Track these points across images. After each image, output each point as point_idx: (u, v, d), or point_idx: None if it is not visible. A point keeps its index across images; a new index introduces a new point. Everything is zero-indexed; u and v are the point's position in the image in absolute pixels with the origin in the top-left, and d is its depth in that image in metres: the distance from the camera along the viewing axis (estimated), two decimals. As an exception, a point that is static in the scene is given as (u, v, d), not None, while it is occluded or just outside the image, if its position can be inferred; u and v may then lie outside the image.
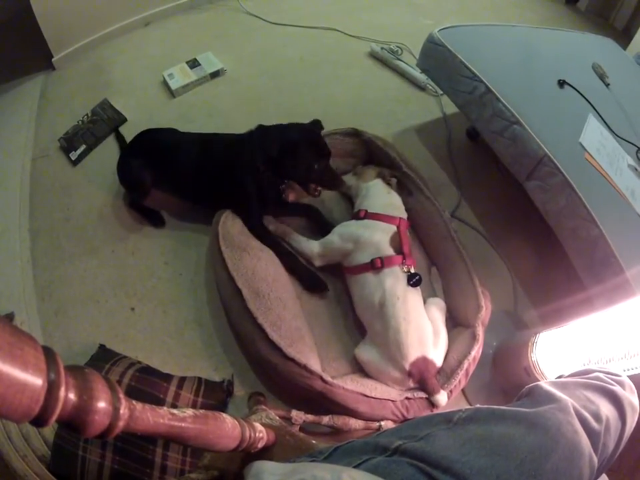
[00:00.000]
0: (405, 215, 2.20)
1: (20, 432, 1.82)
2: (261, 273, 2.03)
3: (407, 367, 1.87)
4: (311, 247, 2.21)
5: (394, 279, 1.95)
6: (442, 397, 1.88)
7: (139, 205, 2.53)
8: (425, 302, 2.07)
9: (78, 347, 2.13)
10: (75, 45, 3.35)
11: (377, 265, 1.98)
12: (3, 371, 0.42)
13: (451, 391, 1.91)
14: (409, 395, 1.90)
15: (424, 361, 1.88)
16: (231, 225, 2.15)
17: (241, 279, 1.96)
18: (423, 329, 1.91)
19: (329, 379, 1.80)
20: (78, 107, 3.06)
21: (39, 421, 0.47)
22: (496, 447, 0.87)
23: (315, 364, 1.85)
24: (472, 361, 1.93)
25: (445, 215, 2.29)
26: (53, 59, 3.26)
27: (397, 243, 2.05)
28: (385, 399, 1.86)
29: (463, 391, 2.09)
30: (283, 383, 1.92)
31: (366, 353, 1.99)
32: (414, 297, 1.95)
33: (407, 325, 1.86)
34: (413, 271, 1.99)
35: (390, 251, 2.02)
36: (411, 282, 1.95)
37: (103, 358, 1.97)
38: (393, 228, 2.09)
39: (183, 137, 2.40)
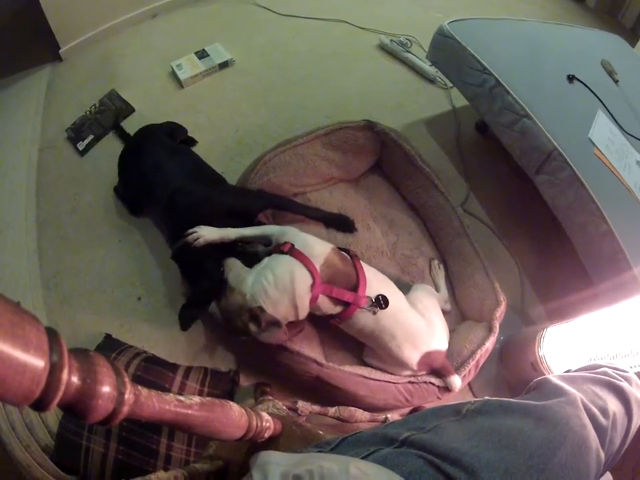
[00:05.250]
0: (305, 284, 1.75)
1: (24, 422, 1.83)
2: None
3: (415, 368, 1.88)
4: None
5: (358, 321, 1.84)
6: (456, 380, 1.89)
7: (120, 192, 2.57)
8: (409, 290, 2.06)
9: (83, 336, 2.14)
10: (81, 36, 3.35)
11: (335, 324, 1.91)
12: (3, 351, 0.40)
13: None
14: (413, 379, 1.91)
15: (427, 356, 1.87)
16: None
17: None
18: (413, 333, 1.87)
19: (323, 361, 1.81)
20: (85, 98, 3.06)
21: (39, 404, 0.46)
22: (504, 439, 0.87)
23: (311, 350, 1.87)
24: (484, 352, 1.93)
25: (458, 210, 2.28)
26: (60, 51, 3.27)
27: (337, 300, 1.81)
28: (384, 381, 1.87)
29: (469, 385, 2.09)
30: (283, 372, 1.93)
31: (374, 360, 1.98)
32: (389, 312, 1.84)
33: (396, 341, 1.83)
34: (372, 298, 1.83)
35: (337, 309, 1.83)
36: (382, 306, 1.82)
37: (109, 347, 1.97)
38: (322, 297, 1.79)
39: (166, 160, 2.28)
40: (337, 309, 1.82)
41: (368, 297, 1.81)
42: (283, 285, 1.69)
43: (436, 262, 2.32)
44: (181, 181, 2.12)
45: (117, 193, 2.56)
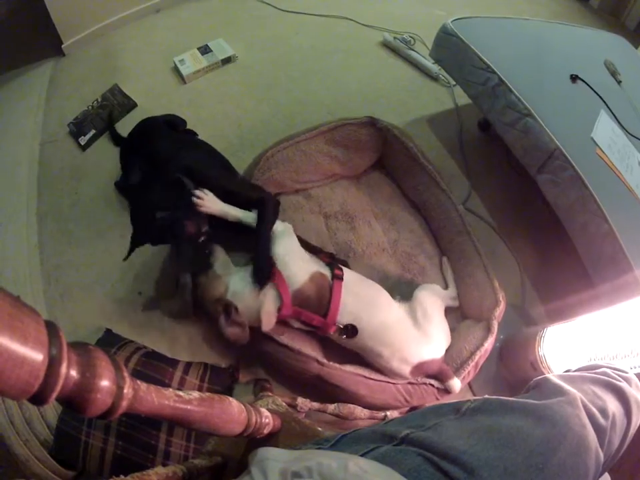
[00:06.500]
0: (271, 305, 1.80)
1: (23, 416, 1.83)
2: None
3: (408, 377, 1.87)
4: None
5: (338, 338, 1.88)
6: (456, 383, 1.88)
7: (121, 186, 2.56)
8: (415, 291, 2.04)
9: (84, 331, 2.13)
10: (84, 31, 3.35)
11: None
12: (2, 344, 0.40)
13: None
14: (412, 379, 1.90)
15: (420, 366, 1.86)
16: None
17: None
18: (401, 348, 1.84)
19: (324, 360, 1.81)
20: (87, 92, 3.06)
21: (38, 398, 0.46)
22: (504, 438, 0.87)
23: (311, 349, 1.86)
24: (483, 353, 1.93)
25: (460, 208, 2.28)
26: (62, 45, 3.26)
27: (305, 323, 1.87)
28: (384, 381, 1.87)
29: (469, 383, 2.09)
30: (283, 370, 1.93)
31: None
32: (371, 333, 1.84)
33: (384, 358, 1.84)
34: (336, 330, 1.84)
35: (309, 328, 1.89)
36: (350, 334, 1.84)
37: (109, 342, 1.97)
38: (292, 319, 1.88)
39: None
40: (310, 328, 1.86)
41: (337, 325, 1.82)
42: (254, 297, 1.77)
43: (445, 258, 2.32)
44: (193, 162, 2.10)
45: (117, 187, 2.56)
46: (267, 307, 1.77)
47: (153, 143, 2.29)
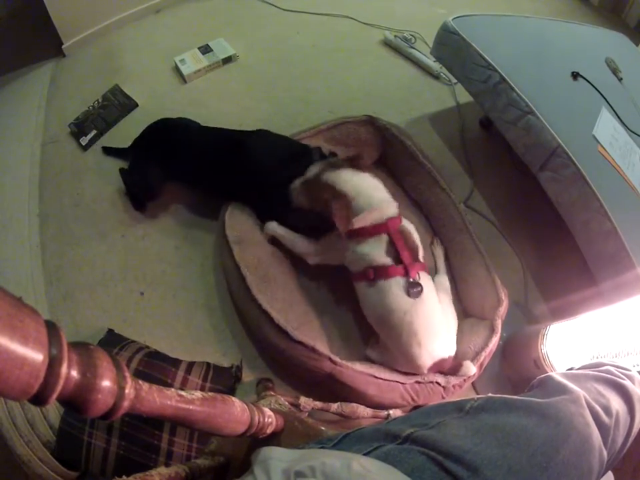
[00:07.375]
0: (392, 208, 1.92)
1: (25, 417, 1.83)
2: (267, 260, 2.04)
3: (424, 372, 1.85)
4: (307, 244, 2.08)
5: (396, 292, 1.77)
6: (469, 367, 1.86)
7: (129, 184, 2.54)
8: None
9: (86, 331, 2.13)
10: (84, 32, 3.33)
11: (369, 276, 1.81)
12: (1, 344, 0.40)
13: (464, 380, 1.90)
14: (419, 379, 1.88)
15: (440, 362, 1.84)
16: (238, 215, 2.16)
17: (245, 266, 1.96)
18: (436, 337, 1.81)
19: (337, 359, 1.79)
20: (88, 93, 3.05)
21: (38, 399, 0.46)
22: (508, 437, 0.86)
23: (322, 346, 1.84)
24: (488, 354, 1.92)
25: (460, 207, 2.28)
26: (62, 46, 3.25)
27: (393, 251, 1.81)
28: (394, 381, 1.84)
29: (472, 383, 2.08)
30: (292, 368, 1.92)
31: (379, 355, 1.95)
32: (426, 304, 1.79)
33: (419, 342, 1.76)
34: (417, 279, 1.79)
35: (386, 260, 1.81)
36: (410, 292, 1.76)
37: (111, 342, 1.97)
38: (384, 237, 1.84)
39: (209, 131, 2.42)
40: (385, 260, 1.81)
41: (418, 274, 1.80)
42: (373, 194, 1.91)
43: (437, 239, 2.35)
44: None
45: (123, 176, 2.53)
46: (380, 208, 1.87)
47: (187, 128, 2.42)
